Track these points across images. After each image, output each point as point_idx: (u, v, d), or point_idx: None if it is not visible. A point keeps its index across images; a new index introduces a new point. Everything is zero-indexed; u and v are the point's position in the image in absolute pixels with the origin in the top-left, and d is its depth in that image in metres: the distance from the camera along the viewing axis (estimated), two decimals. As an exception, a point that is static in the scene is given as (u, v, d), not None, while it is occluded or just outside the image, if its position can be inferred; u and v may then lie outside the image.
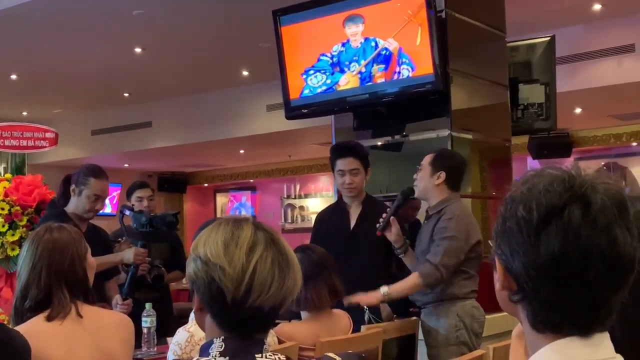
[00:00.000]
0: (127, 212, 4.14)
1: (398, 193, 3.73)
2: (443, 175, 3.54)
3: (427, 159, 3.60)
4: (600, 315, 1.02)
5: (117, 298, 3.81)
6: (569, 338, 1.02)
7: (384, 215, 3.61)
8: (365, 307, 3.68)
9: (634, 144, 10.43)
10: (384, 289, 3.42)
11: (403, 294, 3.46)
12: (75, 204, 3.92)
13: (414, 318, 3.63)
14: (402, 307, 3.82)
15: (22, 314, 2.30)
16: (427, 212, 3.67)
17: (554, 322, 1.02)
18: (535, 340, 1.05)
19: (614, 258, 0.99)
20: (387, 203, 3.80)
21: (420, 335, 3.60)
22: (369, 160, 3.94)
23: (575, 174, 1.02)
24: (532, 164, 10.00)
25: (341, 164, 3.88)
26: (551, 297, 1.01)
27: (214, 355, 1.33)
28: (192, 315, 2.68)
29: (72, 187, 3.91)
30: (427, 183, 3.57)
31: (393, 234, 3.58)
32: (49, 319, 2.26)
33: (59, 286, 2.30)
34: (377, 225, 3.60)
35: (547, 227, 0.99)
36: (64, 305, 2.28)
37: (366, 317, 3.70)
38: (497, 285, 1.08)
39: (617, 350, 1.05)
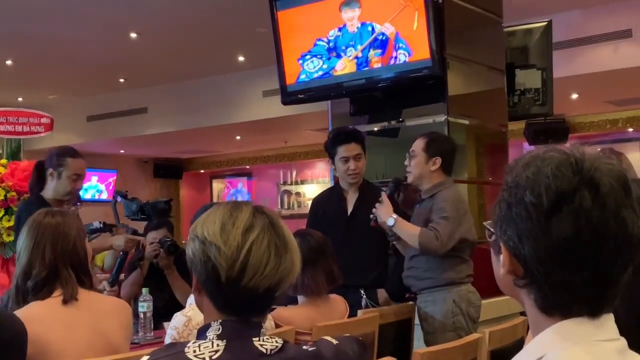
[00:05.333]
0: (119, 199, 4.12)
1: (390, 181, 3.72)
2: (439, 160, 3.53)
3: (420, 145, 3.56)
4: (610, 295, 1.03)
5: (104, 284, 3.79)
6: (579, 319, 1.02)
7: (377, 205, 3.58)
8: (362, 292, 3.69)
9: (630, 129, 10.45)
10: (395, 216, 3.45)
11: (402, 232, 3.47)
12: (54, 188, 3.86)
13: (411, 303, 3.63)
14: (398, 292, 3.83)
15: (24, 294, 2.29)
16: (419, 196, 3.66)
17: (565, 305, 1.03)
18: (542, 322, 1.05)
19: (624, 239, 1.00)
20: (384, 189, 3.79)
21: (417, 320, 3.61)
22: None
23: (581, 156, 1.02)
24: (528, 149, 10.01)
25: (345, 150, 3.83)
26: (563, 281, 1.01)
27: (211, 339, 1.33)
28: (189, 300, 2.69)
29: (50, 171, 3.85)
30: (422, 169, 3.54)
31: None
32: (65, 302, 2.26)
33: (64, 266, 2.30)
34: (371, 216, 3.58)
35: (557, 212, 0.99)
36: (72, 286, 2.28)
37: (363, 302, 3.72)
38: (502, 270, 1.07)
39: (621, 331, 1.05)
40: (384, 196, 3.56)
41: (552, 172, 1.00)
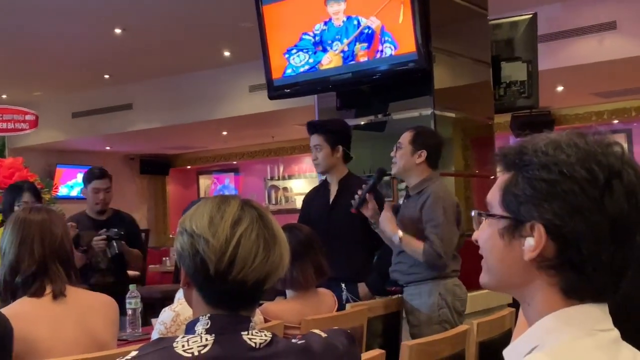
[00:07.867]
0: None
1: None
2: (424, 154, 3.53)
3: (407, 137, 3.57)
4: (622, 280, 1.05)
5: None
6: (579, 307, 1.03)
7: (359, 192, 3.60)
8: (342, 285, 3.70)
9: (615, 121, 10.50)
10: (400, 234, 3.44)
11: (407, 248, 3.47)
12: None
13: (399, 296, 3.64)
14: (379, 286, 3.84)
15: (12, 290, 2.27)
16: (406, 191, 3.66)
17: (599, 286, 1.02)
18: (556, 307, 1.03)
19: None
20: (369, 181, 3.80)
21: (403, 314, 3.62)
22: (339, 137, 3.94)
23: (609, 139, 1.05)
24: (515, 142, 10.04)
25: (310, 141, 3.97)
26: (605, 260, 1.01)
27: (199, 333, 1.33)
28: (177, 295, 2.68)
29: None
30: (407, 162, 3.55)
31: (370, 210, 3.59)
32: (54, 297, 2.25)
33: (52, 261, 2.29)
34: (352, 201, 3.60)
35: (611, 187, 1.00)
36: (61, 281, 2.27)
37: (344, 295, 3.72)
38: (531, 253, 1.03)
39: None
40: (387, 207, 3.55)
41: (602, 150, 1.02)
